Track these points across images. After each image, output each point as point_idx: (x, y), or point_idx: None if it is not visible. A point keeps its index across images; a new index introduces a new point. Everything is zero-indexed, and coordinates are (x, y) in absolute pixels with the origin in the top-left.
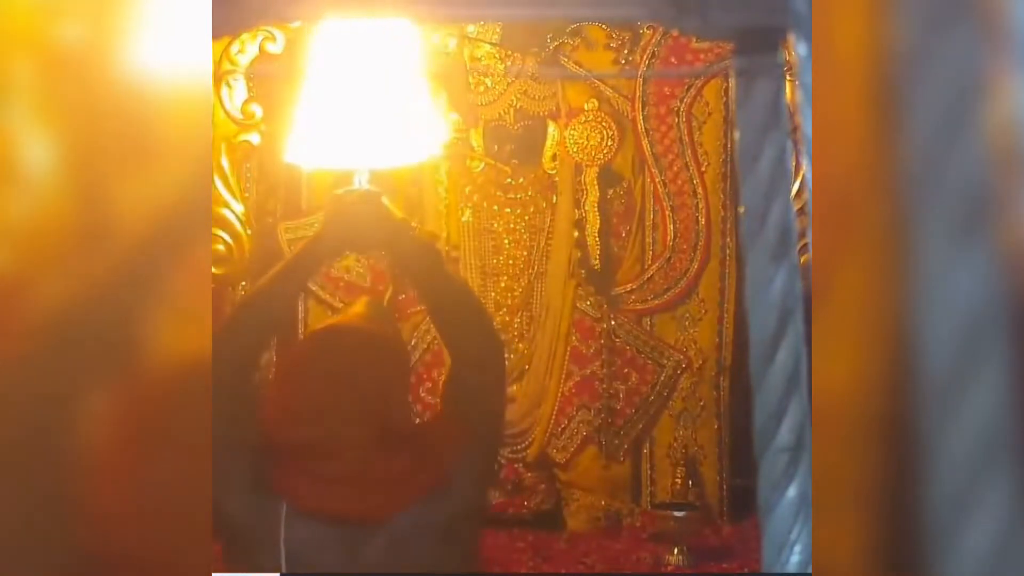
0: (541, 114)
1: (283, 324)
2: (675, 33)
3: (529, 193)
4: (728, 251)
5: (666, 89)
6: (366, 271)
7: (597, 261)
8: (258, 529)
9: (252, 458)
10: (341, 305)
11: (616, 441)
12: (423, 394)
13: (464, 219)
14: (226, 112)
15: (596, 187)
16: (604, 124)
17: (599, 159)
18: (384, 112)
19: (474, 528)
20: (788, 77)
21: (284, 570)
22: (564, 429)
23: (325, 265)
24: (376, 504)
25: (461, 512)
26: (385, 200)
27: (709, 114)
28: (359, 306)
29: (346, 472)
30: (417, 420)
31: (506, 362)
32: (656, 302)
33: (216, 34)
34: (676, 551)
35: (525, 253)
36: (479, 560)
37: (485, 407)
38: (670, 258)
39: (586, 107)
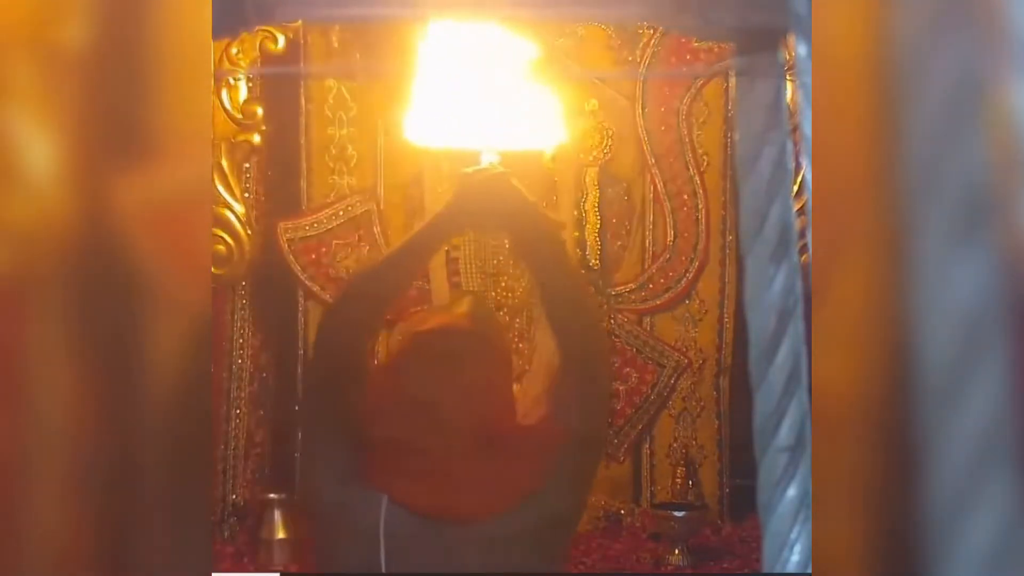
0: None
1: (395, 303)
2: (675, 33)
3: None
4: (728, 251)
5: (666, 89)
6: None
7: (597, 261)
8: (357, 521)
9: (351, 447)
10: (447, 303)
11: (616, 441)
12: None
13: None
14: (226, 112)
15: (596, 187)
16: (604, 124)
17: (599, 159)
18: (504, 95)
19: (567, 534)
20: (788, 77)
21: (384, 567)
22: None
23: (446, 242)
24: (471, 504)
25: (556, 517)
26: (515, 181)
27: (709, 114)
28: (464, 305)
29: (443, 470)
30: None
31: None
32: (656, 302)
33: (216, 34)
34: (676, 551)
35: None
36: (567, 565)
37: (589, 408)
38: (670, 258)
39: (586, 107)
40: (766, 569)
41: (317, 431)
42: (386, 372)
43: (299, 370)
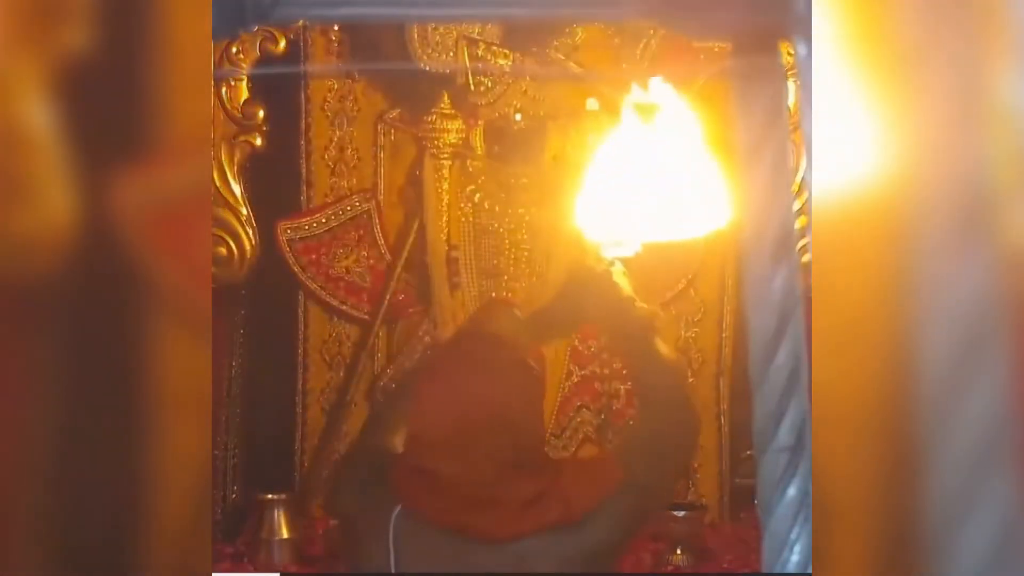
0: (541, 114)
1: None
2: (675, 33)
3: (530, 193)
4: (728, 251)
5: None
6: (366, 271)
7: None
8: (367, 525)
9: (376, 459)
10: (479, 313)
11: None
12: None
13: (464, 219)
14: (226, 112)
15: None
16: (604, 124)
17: None
18: (664, 184)
19: (600, 568)
20: (789, 77)
21: (394, 570)
22: (564, 429)
23: (547, 342)
24: (493, 524)
25: (587, 554)
26: (616, 276)
27: (709, 114)
28: (500, 320)
29: (463, 487)
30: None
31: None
32: (656, 302)
33: (216, 34)
34: (676, 551)
35: (525, 253)
36: None
37: (658, 467)
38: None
39: (586, 107)
40: (766, 569)
41: (367, 444)
42: (417, 384)
43: (299, 371)
